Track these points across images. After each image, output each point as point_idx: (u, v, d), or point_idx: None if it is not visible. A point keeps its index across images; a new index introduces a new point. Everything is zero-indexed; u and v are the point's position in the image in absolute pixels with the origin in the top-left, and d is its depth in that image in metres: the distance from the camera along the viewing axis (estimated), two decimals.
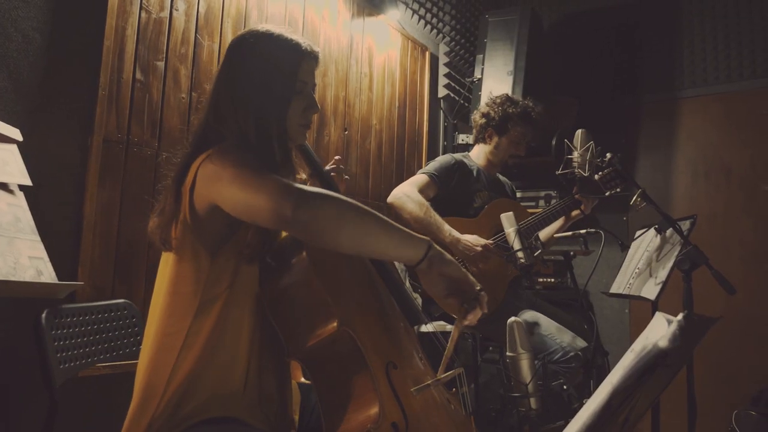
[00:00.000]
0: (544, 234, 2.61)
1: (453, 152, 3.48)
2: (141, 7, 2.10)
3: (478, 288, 1.20)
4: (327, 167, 1.55)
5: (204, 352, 1.13)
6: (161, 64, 2.18)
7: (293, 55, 1.26)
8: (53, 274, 1.61)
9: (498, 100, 2.71)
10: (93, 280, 1.90)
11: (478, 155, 2.77)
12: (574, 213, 2.55)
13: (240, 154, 1.15)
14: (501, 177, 2.86)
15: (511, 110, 2.65)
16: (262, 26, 1.30)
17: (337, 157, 1.54)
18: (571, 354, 2.23)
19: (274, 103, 1.24)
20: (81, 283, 1.80)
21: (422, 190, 2.51)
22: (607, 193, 2.44)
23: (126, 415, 1.16)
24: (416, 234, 1.15)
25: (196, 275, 1.15)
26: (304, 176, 1.39)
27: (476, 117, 2.77)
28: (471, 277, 1.20)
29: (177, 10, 2.24)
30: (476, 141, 2.80)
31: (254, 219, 1.10)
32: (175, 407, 1.11)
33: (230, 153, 1.15)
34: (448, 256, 1.18)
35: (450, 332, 2.50)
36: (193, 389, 1.12)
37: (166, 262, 1.21)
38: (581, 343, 2.28)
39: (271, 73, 1.24)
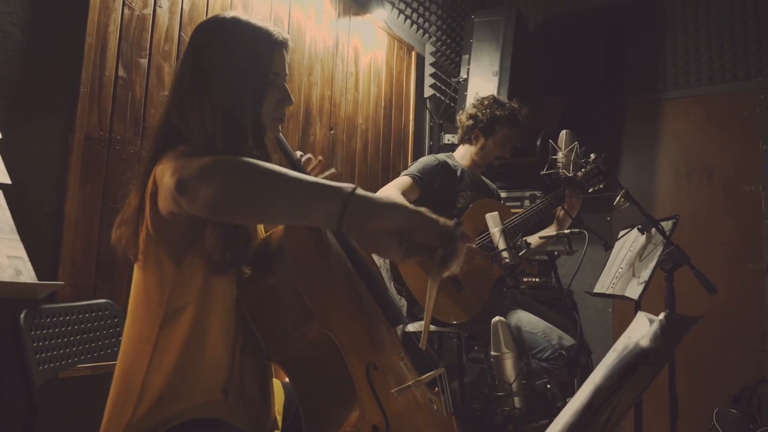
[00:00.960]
0: (534, 239, 2.62)
1: (438, 152, 3.48)
2: (124, 4, 2.08)
3: (451, 225, 0.91)
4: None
5: (182, 356, 1.11)
6: (144, 62, 2.16)
7: (266, 44, 1.19)
8: (33, 273, 1.59)
9: (485, 102, 2.71)
10: (74, 280, 1.88)
11: (462, 156, 2.77)
12: (561, 213, 2.55)
13: (193, 157, 1.06)
14: (486, 180, 2.86)
15: (498, 112, 2.65)
16: (228, 13, 1.22)
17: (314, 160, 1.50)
18: (560, 352, 2.24)
19: (249, 96, 1.17)
20: (61, 283, 1.78)
21: (405, 192, 2.50)
22: (590, 190, 2.46)
23: None
24: (335, 184, 0.91)
25: (161, 283, 1.12)
26: None
27: (462, 118, 2.77)
28: (433, 218, 0.91)
29: (161, 7, 2.22)
30: (461, 142, 2.80)
31: (165, 204, 1.04)
32: (154, 411, 1.09)
33: (186, 155, 1.08)
34: (388, 198, 0.91)
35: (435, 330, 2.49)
36: (173, 393, 1.10)
37: (137, 268, 1.19)
38: (568, 341, 2.29)
39: (245, 63, 1.16)
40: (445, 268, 0.91)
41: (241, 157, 0.94)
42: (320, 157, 1.50)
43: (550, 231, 2.63)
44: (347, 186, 0.90)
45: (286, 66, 1.25)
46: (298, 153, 1.49)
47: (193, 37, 1.22)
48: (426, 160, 2.67)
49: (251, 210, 0.93)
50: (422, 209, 0.92)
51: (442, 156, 2.72)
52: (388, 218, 0.90)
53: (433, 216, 0.91)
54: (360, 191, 0.90)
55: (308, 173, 1.43)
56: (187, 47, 1.22)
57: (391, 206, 0.90)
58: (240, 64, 1.17)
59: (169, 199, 1.00)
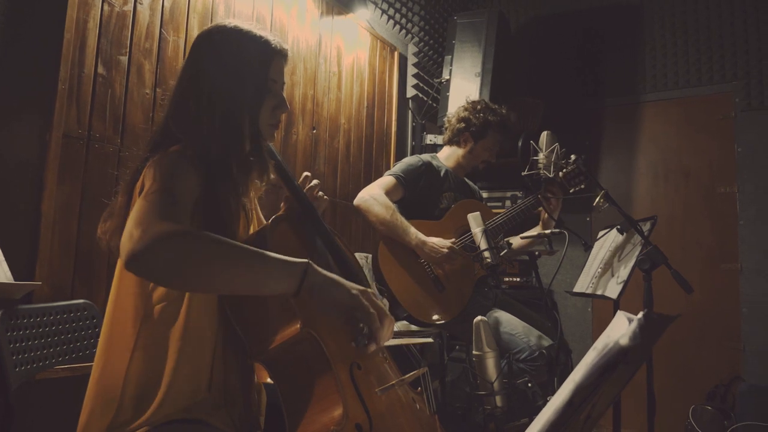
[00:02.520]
0: (515, 240, 2.64)
1: (421, 152, 3.49)
2: (103, 0, 2.05)
3: (380, 314, 1.07)
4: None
5: (163, 354, 1.11)
6: (124, 59, 2.13)
7: (264, 52, 1.24)
8: (9, 273, 1.57)
9: (478, 107, 2.72)
10: (51, 280, 1.85)
11: (447, 157, 2.78)
12: (545, 216, 2.52)
13: (176, 164, 1.10)
14: (468, 181, 2.88)
15: (491, 118, 2.67)
16: (229, 21, 1.27)
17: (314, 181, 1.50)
18: (538, 353, 2.26)
19: (247, 101, 1.21)
20: (38, 283, 1.75)
21: (389, 192, 2.50)
22: (571, 191, 2.48)
23: None
24: (290, 260, 1.03)
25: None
26: (272, 176, 1.36)
27: (453, 120, 2.77)
28: (365, 305, 1.05)
29: (141, 3, 2.19)
30: (449, 143, 2.80)
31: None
32: (135, 409, 1.08)
33: (169, 160, 1.11)
34: (335, 279, 1.06)
35: (415, 332, 2.49)
36: (153, 392, 1.09)
37: (120, 261, 1.18)
38: (547, 342, 2.31)
39: (244, 69, 1.21)
40: (366, 347, 1.06)
41: (194, 232, 0.99)
42: (315, 181, 1.49)
43: (532, 231, 2.65)
44: (301, 265, 1.03)
45: (284, 75, 1.30)
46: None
47: (195, 43, 1.27)
48: (410, 160, 2.68)
49: (211, 287, 1.02)
50: (367, 290, 1.08)
51: (426, 156, 2.73)
52: (334, 296, 1.04)
53: (369, 303, 1.06)
54: (312, 268, 1.03)
55: (305, 191, 1.42)
56: (189, 53, 1.27)
57: (337, 287, 1.05)
58: (239, 70, 1.21)
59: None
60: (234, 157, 1.18)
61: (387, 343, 1.22)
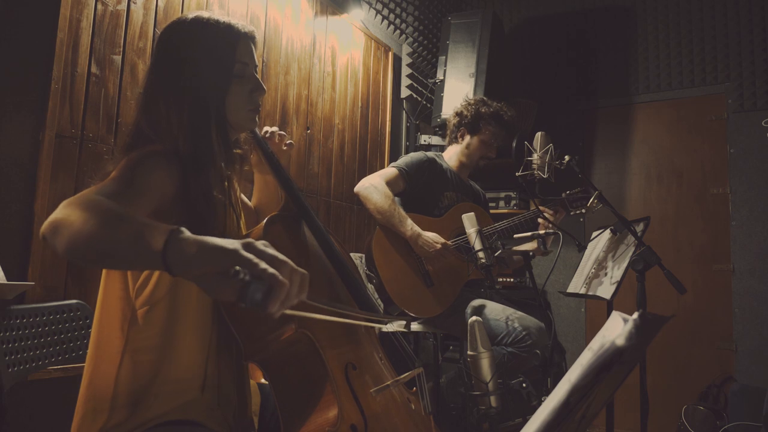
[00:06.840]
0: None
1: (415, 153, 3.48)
2: None
3: (265, 268, 0.78)
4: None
5: (155, 357, 1.10)
6: (118, 58, 2.12)
7: (227, 37, 1.20)
8: (1, 273, 1.56)
9: (472, 101, 2.77)
10: (44, 280, 1.84)
11: (450, 156, 2.80)
12: (542, 231, 2.47)
13: (143, 158, 1.09)
14: (474, 184, 2.88)
15: (483, 110, 2.69)
16: (191, 13, 1.23)
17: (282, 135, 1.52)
18: (523, 334, 2.26)
19: (211, 91, 1.18)
20: (31, 284, 1.74)
21: (390, 183, 2.52)
22: (572, 213, 2.48)
23: None
24: (155, 224, 0.84)
25: (124, 280, 1.12)
26: (254, 161, 1.37)
27: (450, 118, 2.81)
28: (247, 257, 0.78)
29: (135, 3, 2.18)
30: (450, 142, 2.83)
31: None
32: (129, 412, 1.08)
33: (137, 155, 1.10)
34: (204, 241, 0.80)
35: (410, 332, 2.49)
36: (146, 393, 1.09)
37: None
38: (532, 322, 2.31)
39: (204, 59, 1.18)
40: (265, 306, 0.77)
41: (94, 196, 0.95)
42: (283, 134, 1.53)
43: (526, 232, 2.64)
44: (163, 231, 0.81)
45: (255, 57, 1.26)
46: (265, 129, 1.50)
47: (158, 41, 1.24)
48: (415, 155, 2.70)
49: (97, 261, 0.91)
50: (250, 241, 0.81)
51: (431, 154, 2.75)
52: (207, 261, 0.79)
53: (253, 253, 0.79)
54: (177, 236, 0.80)
55: (277, 155, 1.44)
56: (153, 52, 1.23)
57: (208, 248, 0.79)
58: (200, 60, 1.18)
59: None
60: (206, 150, 1.16)
61: (364, 323, 1.20)
